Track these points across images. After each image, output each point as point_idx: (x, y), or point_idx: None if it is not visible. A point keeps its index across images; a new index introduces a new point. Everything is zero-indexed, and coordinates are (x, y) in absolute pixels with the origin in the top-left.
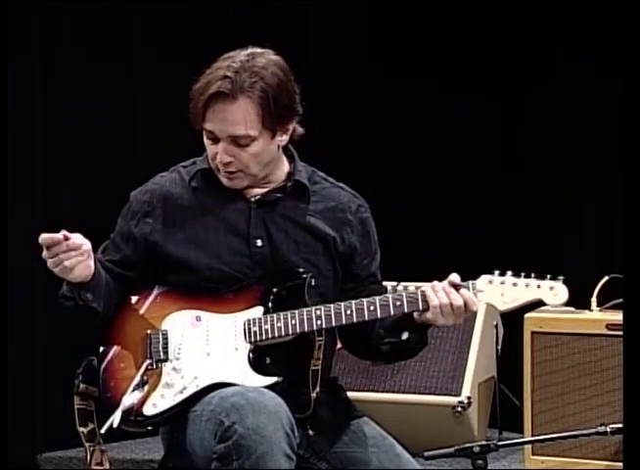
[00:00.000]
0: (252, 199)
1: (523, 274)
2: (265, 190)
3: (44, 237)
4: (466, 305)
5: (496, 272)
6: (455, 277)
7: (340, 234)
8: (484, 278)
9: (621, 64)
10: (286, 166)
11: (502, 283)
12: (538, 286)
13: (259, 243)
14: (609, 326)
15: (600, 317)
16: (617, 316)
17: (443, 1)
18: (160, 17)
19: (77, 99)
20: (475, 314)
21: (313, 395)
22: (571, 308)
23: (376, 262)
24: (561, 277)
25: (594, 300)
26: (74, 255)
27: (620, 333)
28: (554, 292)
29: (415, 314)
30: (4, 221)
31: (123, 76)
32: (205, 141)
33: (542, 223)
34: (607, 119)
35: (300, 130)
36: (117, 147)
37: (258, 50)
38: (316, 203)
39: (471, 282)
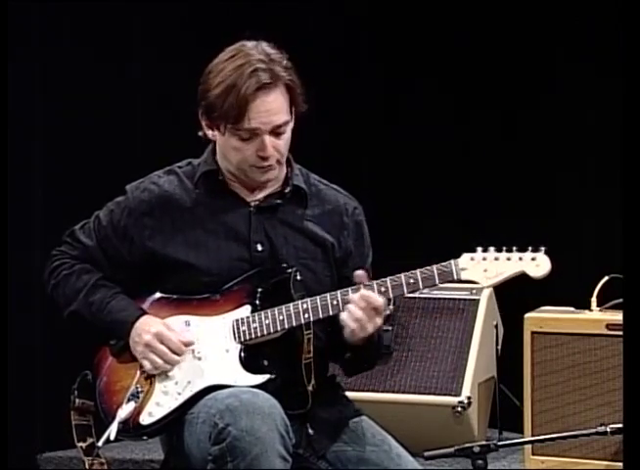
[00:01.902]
0: (252, 204)
1: (504, 248)
2: (264, 195)
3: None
4: (374, 308)
5: (479, 249)
6: (359, 275)
7: (337, 239)
8: (466, 256)
9: (621, 64)
10: (284, 169)
11: (484, 259)
12: (520, 258)
13: (260, 247)
14: (609, 326)
15: (600, 317)
16: (617, 316)
17: (445, 1)
18: (160, 17)
19: (77, 99)
20: (475, 314)
21: (309, 388)
22: (571, 308)
23: (367, 264)
24: (542, 248)
25: (594, 300)
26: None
27: (620, 333)
28: (536, 263)
29: (344, 335)
30: (4, 221)
31: (123, 76)
32: (235, 144)
33: (542, 223)
34: (607, 120)
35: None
36: (117, 147)
37: (252, 42)
38: (313, 207)
39: (453, 260)
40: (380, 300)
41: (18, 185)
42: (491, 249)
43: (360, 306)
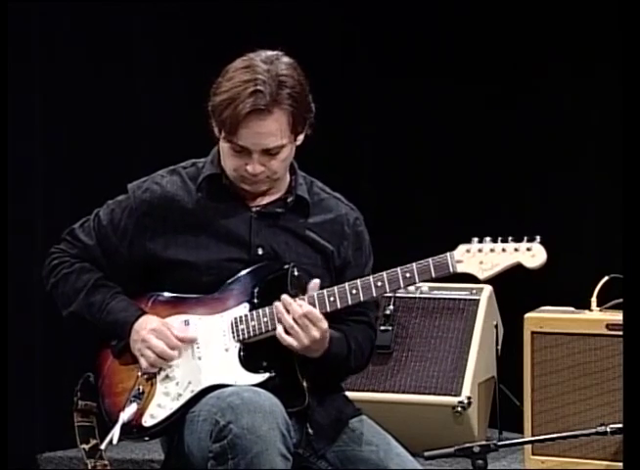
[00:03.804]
0: (254, 209)
1: (500, 239)
2: (267, 201)
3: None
4: (307, 316)
5: (474, 240)
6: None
7: (337, 248)
8: (462, 247)
9: (622, 62)
10: (287, 177)
11: (480, 250)
12: (516, 249)
13: (260, 251)
14: (609, 326)
15: (600, 317)
16: (617, 316)
17: (444, 2)
18: (160, 16)
19: (77, 99)
20: (475, 314)
21: (305, 384)
22: (571, 308)
23: (365, 274)
24: (537, 237)
25: (594, 300)
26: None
27: (620, 333)
28: (532, 253)
29: None
30: (4, 221)
31: (123, 76)
32: (229, 152)
33: (542, 223)
34: (608, 118)
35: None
36: (118, 147)
37: (270, 53)
38: (315, 215)
39: (449, 253)
40: (303, 308)
41: (18, 185)
42: (487, 239)
43: (291, 317)
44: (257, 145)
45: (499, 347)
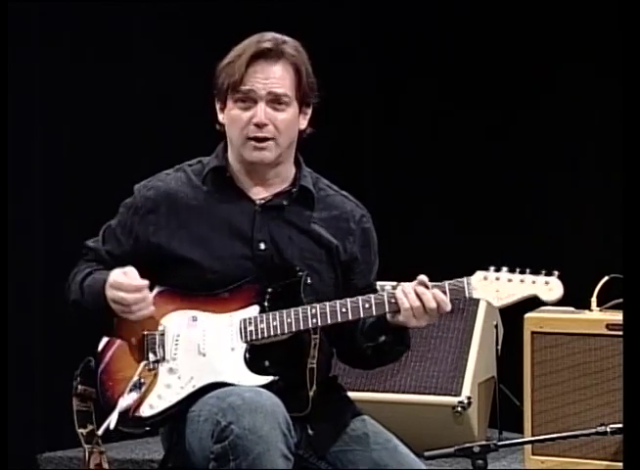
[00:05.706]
0: (258, 202)
1: (518, 270)
2: (271, 193)
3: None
4: (439, 306)
5: (491, 268)
6: (424, 279)
7: (342, 243)
8: (479, 274)
9: (622, 64)
10: (292, 169)
11: (497, 279)
12: (533, 281)
13: (263, 246)
14: (609, 326)
15: (600, 317)
16: (617, 316)
17: (444, 3)
18: (160, 16)
19: (78, 99)
20: (475, 314)
21: (310, 393)
22: (571, 308)
23: (374, 273)
24: (555, 272)
25: (594, 300)
26: (145, 306)
27: (620, 333)
28: (549, 287)
29: (388, 317)
30: (4, 221)
31: (123, 76)
32: (236, 112)
33: (542, 224)
34: (608, 119)
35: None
36: (118, 147)
37: (278, 34)
38: (320, 210)
39: (465, 278)
40: (448, 307)
41: (18, 185)
42: (504, 269)
43: (431, 304)
44: (264, 89)
45: (499, 347)
